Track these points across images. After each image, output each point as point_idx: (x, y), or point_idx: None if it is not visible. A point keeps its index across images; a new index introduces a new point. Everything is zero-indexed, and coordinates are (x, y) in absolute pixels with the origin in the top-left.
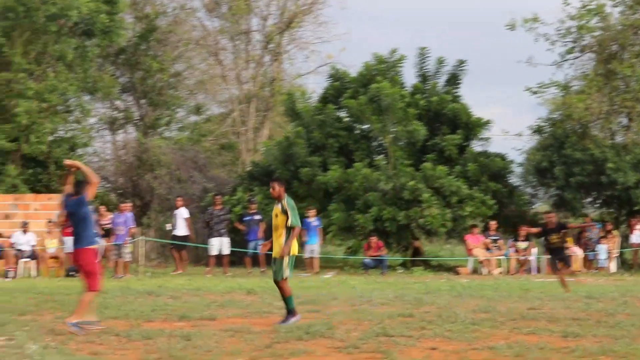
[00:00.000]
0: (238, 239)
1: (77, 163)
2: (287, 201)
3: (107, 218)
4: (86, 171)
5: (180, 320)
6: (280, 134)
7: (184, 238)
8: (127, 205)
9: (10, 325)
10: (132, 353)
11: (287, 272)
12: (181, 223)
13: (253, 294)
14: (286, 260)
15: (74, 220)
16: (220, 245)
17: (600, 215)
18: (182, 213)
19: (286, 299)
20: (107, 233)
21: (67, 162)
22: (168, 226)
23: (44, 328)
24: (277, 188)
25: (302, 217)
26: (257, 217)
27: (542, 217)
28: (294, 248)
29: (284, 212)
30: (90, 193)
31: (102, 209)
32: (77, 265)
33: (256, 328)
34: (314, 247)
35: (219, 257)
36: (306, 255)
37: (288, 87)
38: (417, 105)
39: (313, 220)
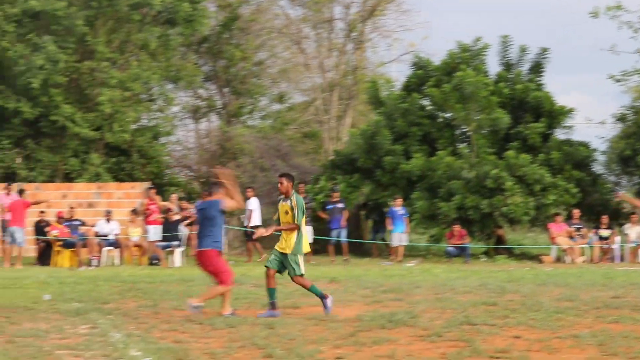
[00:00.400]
0: (321, 227)
1: (228, 174)
2: (296, 199)
3: (190, 207)
4: (233, 190)
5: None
6: (363, 123)
7: (256, 228)
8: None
9: (93, 313)
10: (215, 341)
11: (302, 268)
12: (253, 213)
13: (336, 282)
14: (300, 258)
15: (201, 220)
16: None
17: None
18: (253, 204)
19: (311, 289)
20: (191, 223)
21: (218, 170)
22: (242, 217)
23: (127, 316)
24: (285, 183)
25: (388, 206)
26: (340, 205)
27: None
28: (306, 246)
29: (292, 209)
30: (227, 204)
31: (173, 196)
32: (200, 265)
33: (340, 316)
34: (401, 236)
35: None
36: (394, 243)
37: (371, 75)
38: (501, 93)
39: (399, 209)
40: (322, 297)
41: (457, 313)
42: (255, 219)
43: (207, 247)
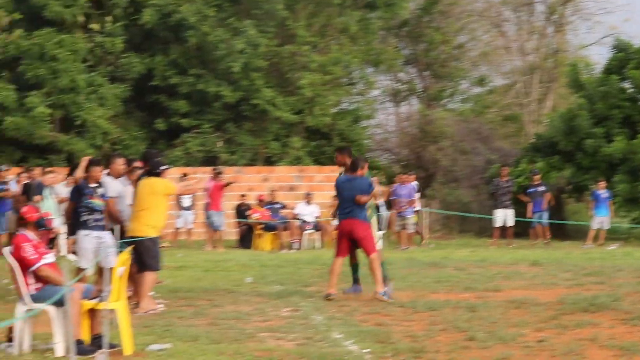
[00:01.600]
0: (521, 210)
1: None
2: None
3: (389, 189)
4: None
5: (465, 291)
6: (564, 106)
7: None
8: (411, 176)
9: (295, 296)
10: (417, 324)
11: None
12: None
13: (538, 266)
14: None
15: (342, 196)
16: (504, 216)
17: None
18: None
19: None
20: (390, 205)
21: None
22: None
23: (328, 299)
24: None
25: (589, 189)
26: (541, 188)
27: None
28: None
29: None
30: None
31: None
32: (348, 235)
33: (541, 299)
34: (603, 219)
35: (503, 229)
36: (594, 226)
37: (571, 58)
38: None
39: (603, 192)
40: (386, 279)
41: None
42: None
43: (357, 218)
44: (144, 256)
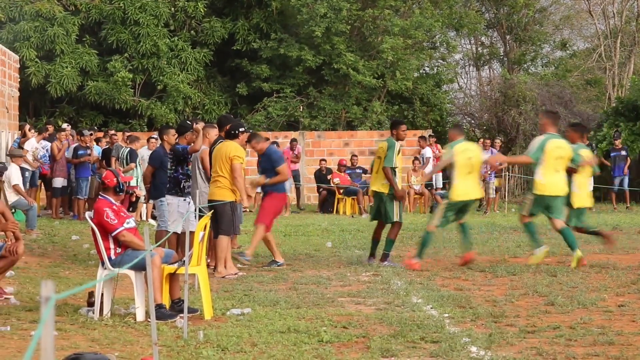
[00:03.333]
0: (603, 174)
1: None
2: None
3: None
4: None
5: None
6: None
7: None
8: (493, 142)
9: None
10: (497, 289)
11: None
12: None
13: (619, 230)
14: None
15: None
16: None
17: None
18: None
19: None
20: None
21: None
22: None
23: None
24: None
25: None
26: (623, 153)
27: None
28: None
29: None
30: None
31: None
32: None
33: (622, 264)
34: None
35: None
36: None
37: None
38: None
39: None
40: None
41: None
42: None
43: None
44: (218, 221)
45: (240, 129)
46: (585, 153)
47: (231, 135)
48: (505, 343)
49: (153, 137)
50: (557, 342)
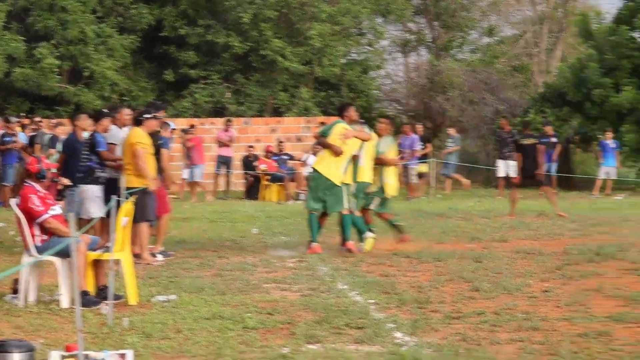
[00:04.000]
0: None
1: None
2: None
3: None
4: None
5: (471, 242)
6: (573, 55)
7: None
8: (417, 127)
9: (301, 247)
10: (423, 274)
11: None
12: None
13: (544, 216)
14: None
15: None
16: (506, 167)
17: None
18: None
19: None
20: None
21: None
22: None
23: (333, 250)
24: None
25: (597, 139)
26: (554, 139)
27: None
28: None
29: None
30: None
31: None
32: None
33: (547, 250)
34: (610, 169)
35: (508, 179)
36: (601, 176)
37: (581, 7)
38: None
39: (610, 142)
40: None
41: None
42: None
43: None
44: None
45: (146, 115)
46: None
47: (137, 122)
48: (430, 329)
49: (60, 124)
50: (482, 328)
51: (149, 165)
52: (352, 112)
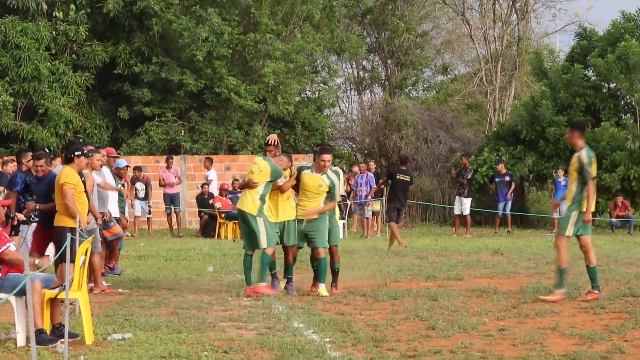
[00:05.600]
0: (485, 199)
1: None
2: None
3: (351, 179)
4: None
5: (426, 280)
6: (527, 94)
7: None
8: (370, 165)
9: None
10: (378, 313)
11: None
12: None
13: (499, 255)
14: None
15: None
16: (461, 205)
17: None
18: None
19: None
20: (348, 194)
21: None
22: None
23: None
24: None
25: (552, 177)
26: (507, 178)
27: None
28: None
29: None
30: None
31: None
32: None
33: (503, 288)
34: (563, 207)
35: (463, 217)
36: (554, 215)
37: (535, 46)
38: None
39: (562, 180)
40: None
41: (620, 285)
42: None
43: None
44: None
45: (76, 153)
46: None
47: (67, 160)
48: None
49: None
50: None
51: (79, 204)
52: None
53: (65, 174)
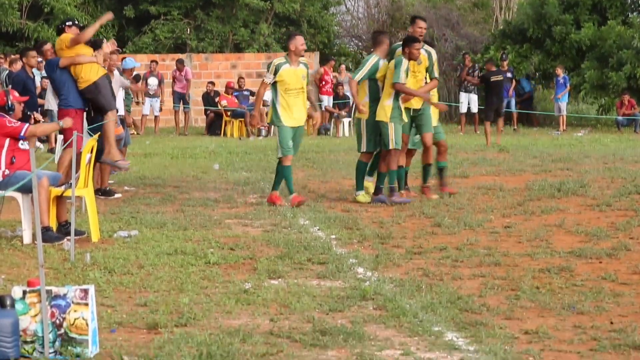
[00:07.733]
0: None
1: None
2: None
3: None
4: None
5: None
6: None
7: None
8: None
9: (262, 183)
10: (384, 210)
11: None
12: None
13: (505, 152)
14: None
15: None
16: (468, 102)
17: None
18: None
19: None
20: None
21: None
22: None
23: (295, 185)
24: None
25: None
26: (509, 74)
27: None
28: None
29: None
30: None
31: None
32: None
33: (508, 185)
34: (561, 105)
35: (470, 115)
36: (556, 112)
37: None
38: None
39: (560, 78)
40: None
41: (626, 182)
42: None
43: None
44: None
45: (67, 23)
46: None
47: (59, 31)
48: (391, 264)
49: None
50: (444, 263)
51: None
52: (299, 44)
53: (60, 40)
